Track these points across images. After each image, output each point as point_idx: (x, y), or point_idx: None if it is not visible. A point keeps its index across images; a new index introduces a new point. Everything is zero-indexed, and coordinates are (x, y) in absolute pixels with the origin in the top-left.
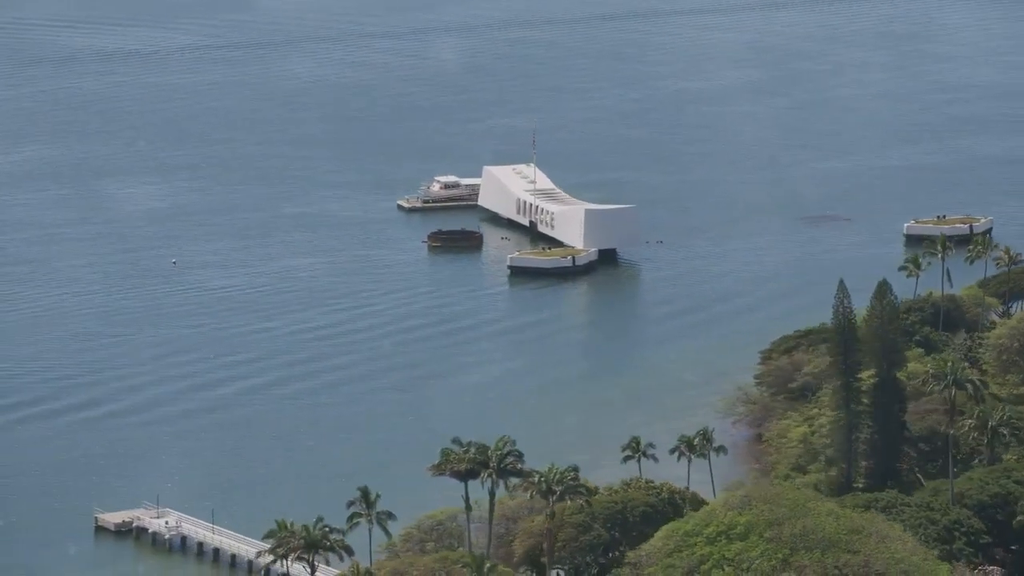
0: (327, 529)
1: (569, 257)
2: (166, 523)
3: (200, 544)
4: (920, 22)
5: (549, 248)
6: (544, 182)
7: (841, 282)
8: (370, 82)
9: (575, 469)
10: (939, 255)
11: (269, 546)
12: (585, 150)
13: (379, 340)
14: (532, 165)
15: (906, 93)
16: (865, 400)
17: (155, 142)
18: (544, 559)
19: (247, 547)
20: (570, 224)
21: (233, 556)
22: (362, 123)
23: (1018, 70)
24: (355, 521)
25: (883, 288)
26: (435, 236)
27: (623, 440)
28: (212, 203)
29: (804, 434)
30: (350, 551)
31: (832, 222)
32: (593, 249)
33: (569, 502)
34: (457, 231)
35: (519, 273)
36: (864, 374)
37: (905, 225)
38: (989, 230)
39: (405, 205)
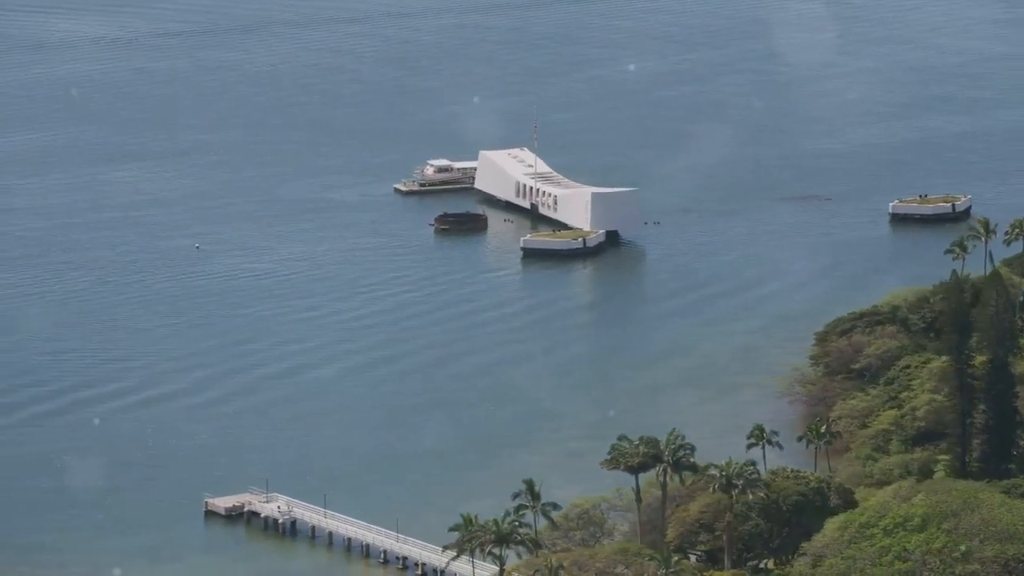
0: (516, 523)
1: (580, 239)
2: (278, 508)
3: (313, 528)
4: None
5: (557, 230)
6: (541, 166)
7: (954, 272)
8: (345, 66)
9: (753, 463)
10: (982, 238)
11: (455, 540)
12: (569, 132)
13: (428, 326)
14: (525, 149)
15: (868, 73)
16: (980, 384)
17: (139, 129)
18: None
19: (361, 531)
20: (575, 206)
21: (349, 540)
22: (339, 108)
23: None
24: (522, 513)
25: (996, 275)
26: (442, 219)
27: (686, 423)
28: (211, 189)
29: (895, 417)
30: (538, 544)
31: (814, 202)
32: (600, 231)
33: (751, 496)
34: (463, 214)
35: (531, 255)
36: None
37: (891, 205)
38: (968, 208)
39: (403, 189)
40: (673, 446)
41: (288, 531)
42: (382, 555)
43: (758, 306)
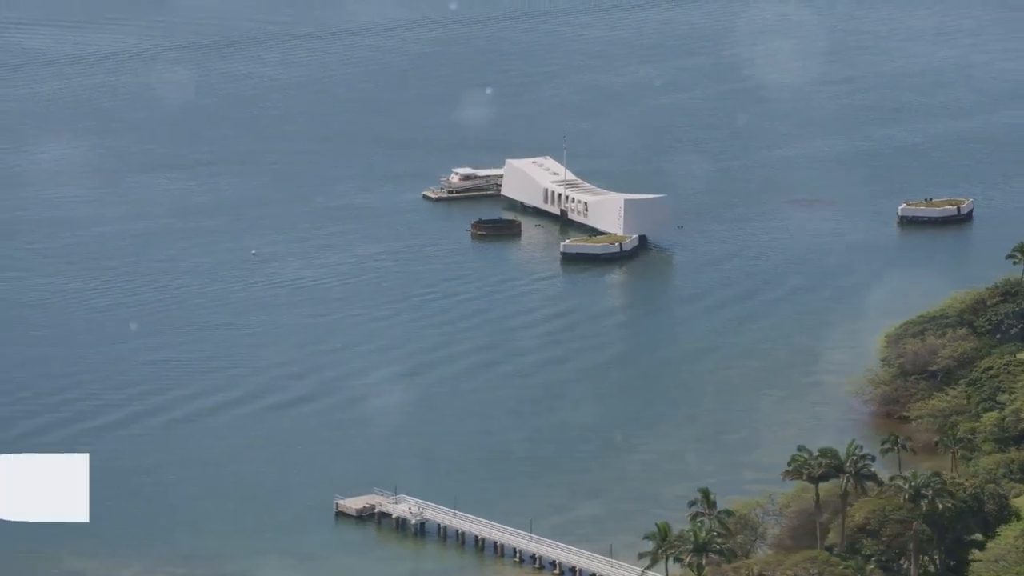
0: (715, 533)
1: (617, 243)
2: (409, 509)
3: (444, 528)
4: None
5: (593, 235)
6: (566, 173)
7: None
8: (354, 77)
9: (938, 474)
10: None
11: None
12: (584, 139)
13: (492, 328)
14: (549, 157)
15: (851, 78)
16: None
17: (168, 140)
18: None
19: (494, 531)
20: (608, 212)
21: (482, 540)
22: (352, 117)
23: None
24: (698, 521)
25: None
26: (478, 224)
27: (771, 422)
28: (246, 196)
29: (996, 418)
30: (734, 553)
31: (820, 205)
32: (634, 236)
33: (940, 506)
34: (498, 220)
35: (570, 259)
36: None
37: (899, 208)
38: (971, 211)
39: (431, 196)
40: (855, 456)
41: (421, 531)
42: (516, 554)
43: (799, 307)
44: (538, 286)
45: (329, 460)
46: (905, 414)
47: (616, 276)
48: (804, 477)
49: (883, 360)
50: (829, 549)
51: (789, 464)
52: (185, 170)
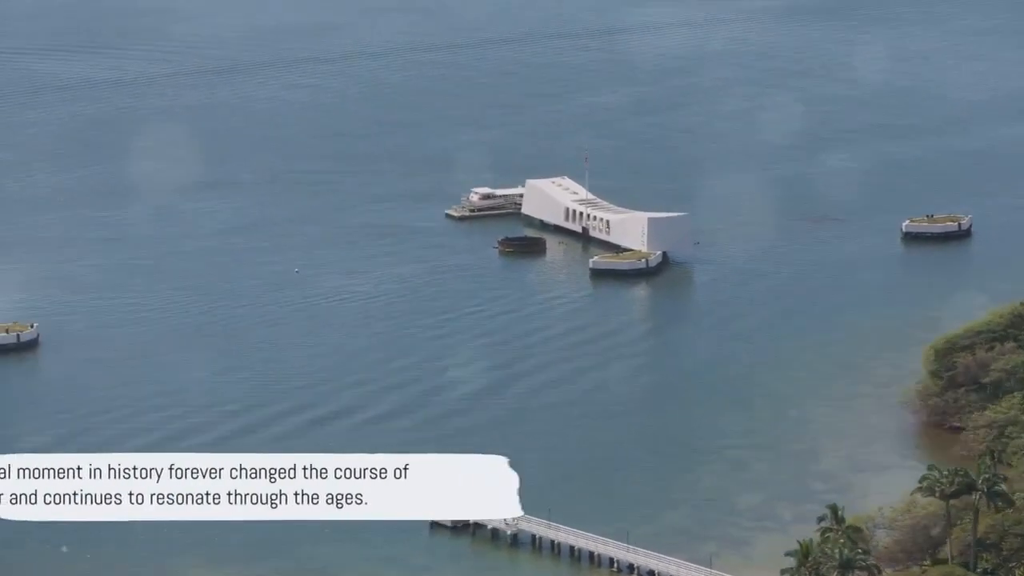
0: (859, 551)
1: (643, 260)
2: (504, 520)
3: (539, 539)
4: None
5: (619, 252)
6: (584, 193)
7: None
8: (365, 99)
9: None
10: None
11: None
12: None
13: (546, 342)
14: (566, 178)
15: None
16: None
17: (194, 161)
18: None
19: (590, 541)
20: (631, 230)
21: (578, 550)
22: (364, 138)
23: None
24: (826, 536)
25: None
26: (506, 242)
27: (825, 432)
28: (277, 216)
29: None
30: (879, 569)
31: (827, 222)
32: (658, 252)
33: None
34: (524, 237)
35: (599, 275)
36: None
37: (903, 224)
38: (970, 227)
39: (455, 214)
40: (986, 475)
41: (516, 542)
42: (614, 564)
43: (828, 321)
44: (576, 301)
45: None
46: (957, 424)
47: (645, 291)
48: (936, 495)
49: (932, 372)
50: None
51: (921, 481)
52: (216, 190)
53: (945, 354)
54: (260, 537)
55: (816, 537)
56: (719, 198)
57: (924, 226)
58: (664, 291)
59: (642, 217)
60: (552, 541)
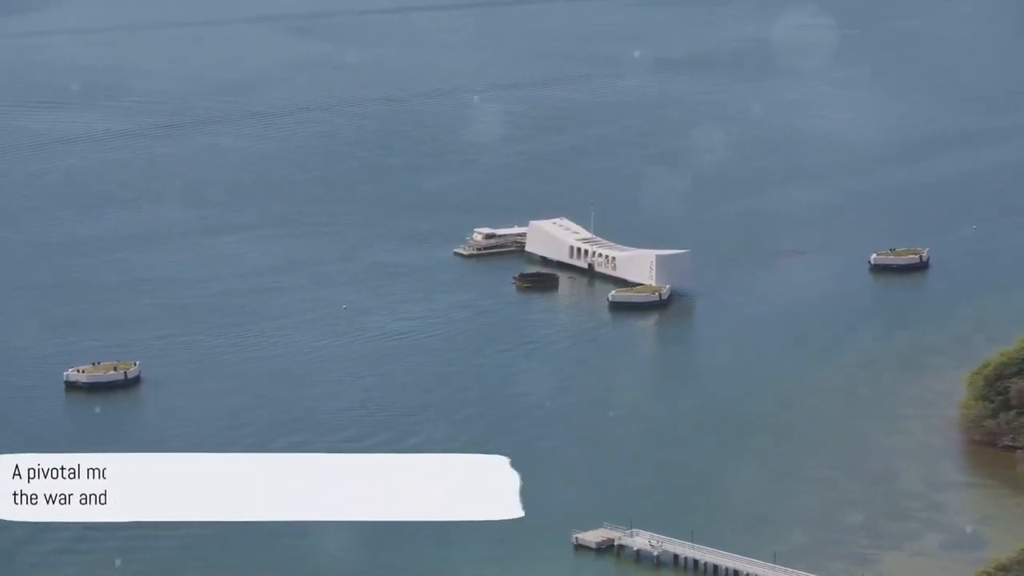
0: None
1: (656, 293)
2: (649, 541)
3: (684, 559)
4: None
5: (633, 287)
6: (584, 231)
7: None
8: (356, 141)
9: None
10: None
11: None
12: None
13: (596, 373)
14: (564, 218)
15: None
16: None
17: (201, 208)
18: None
19: (737, 562)
20: (638, 266)
21: (725, 570)
22: (366, 182)
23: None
24: None
25: None
26: (523, 277)
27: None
28: (299, 257)
29: None
30: None
31: (799, 255)
32: (667, 286)
33: None
34: (538, 273)
35: (617, 307)
36: None
37: (872, 256)
38: (928, 259)
39: (463, 252)
40: None
41: (657, 563)
42: None
43: (842, 346)
44: (607, 331)
45: (546, 497)
46: (1010, 443)
47: (663, 322)
48: None
49: (982, 396)
50: None
51: None
52: (236, 234)
53: (995, 380)
54: (388, 551)
55: None
56: (698, 234)
57: (890, 259)
58: (679, 321)
59: (650, 254)
60: (696, 560)
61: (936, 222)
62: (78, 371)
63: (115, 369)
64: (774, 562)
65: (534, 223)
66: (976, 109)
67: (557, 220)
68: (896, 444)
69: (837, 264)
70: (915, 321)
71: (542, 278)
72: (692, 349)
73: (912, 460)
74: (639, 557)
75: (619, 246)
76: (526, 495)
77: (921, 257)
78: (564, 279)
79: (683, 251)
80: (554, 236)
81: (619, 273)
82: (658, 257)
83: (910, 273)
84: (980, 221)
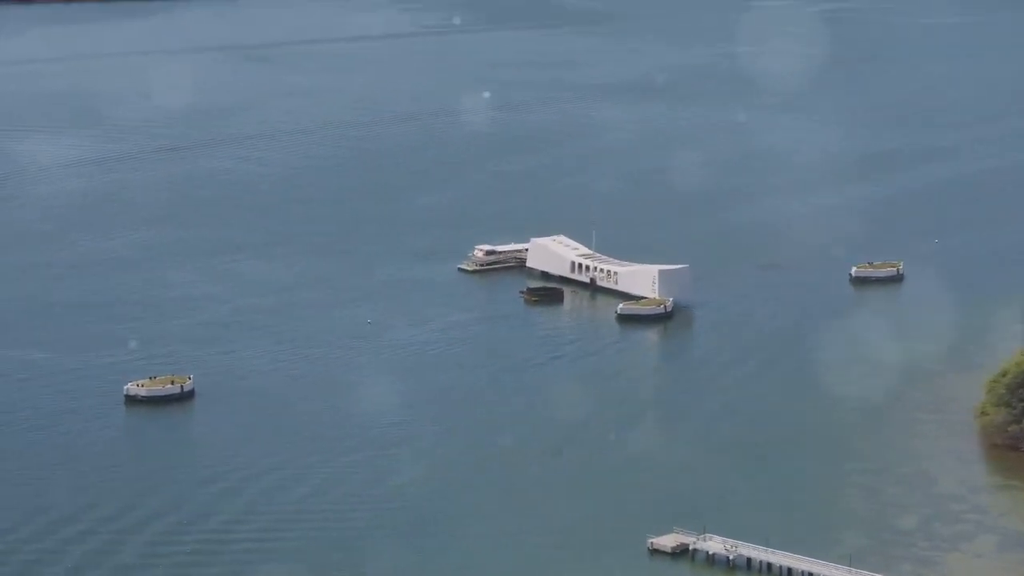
0: None
1: (661, 306)
2: (724, 546)
3: (761, 563)
4: None
5: (639, 300)
6: (583, 248)
7: None
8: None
9: None
10: None
11: None
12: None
13: (614, 381)
14: (563, 236)
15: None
16: None
17: (204, 228)
18: None
19: (813, 565)
20: (641, 280)
21: (803, 574)
22: (364, 201)
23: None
24: None
25: None
26: (531, 292)
27: (928, 458)
28: (308, 274)
29: None
30: None
31: (781, 269)
32: (670, 299)
33: None
34: (545, 287)
35: (625, 320)
36: None
37: (852, 269)
38: (903, 272)
39: (467, 268)
40: None
41: (732, 567)
42: None
43: (850, 356)
44: (622, 342)
45: (615, 503)
46: None
47: (669, 332)
48: None
49: (1004, 403)
50: None
51: None
52: (243, 252)
53: (1017, 386)
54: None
55: None
56: (678, 249)
57: (870, 271)
58: (686, 332)
59: (652, 269)
60: (769, 564)
61: (901, 236)
62: (138, 385)
63: (172, 383)
64: (849, 565)
65: (535, 240)
66: (910, 128)
67: (556, 237)
68: (921, 449)
69: (819, 276)
70: (906, 330)
71: (549, 292)
72: (705, 359)
73: (942, 464)
74: (713, 561)
75: (619, 261)
76: (596, 501)
77: (897, 269)
78: (569, 293)
79: (683, 266)
80: (555, 252)
81: (621, 287)
82: (661, 272)
83: (889, 284)
84: (939, 234)
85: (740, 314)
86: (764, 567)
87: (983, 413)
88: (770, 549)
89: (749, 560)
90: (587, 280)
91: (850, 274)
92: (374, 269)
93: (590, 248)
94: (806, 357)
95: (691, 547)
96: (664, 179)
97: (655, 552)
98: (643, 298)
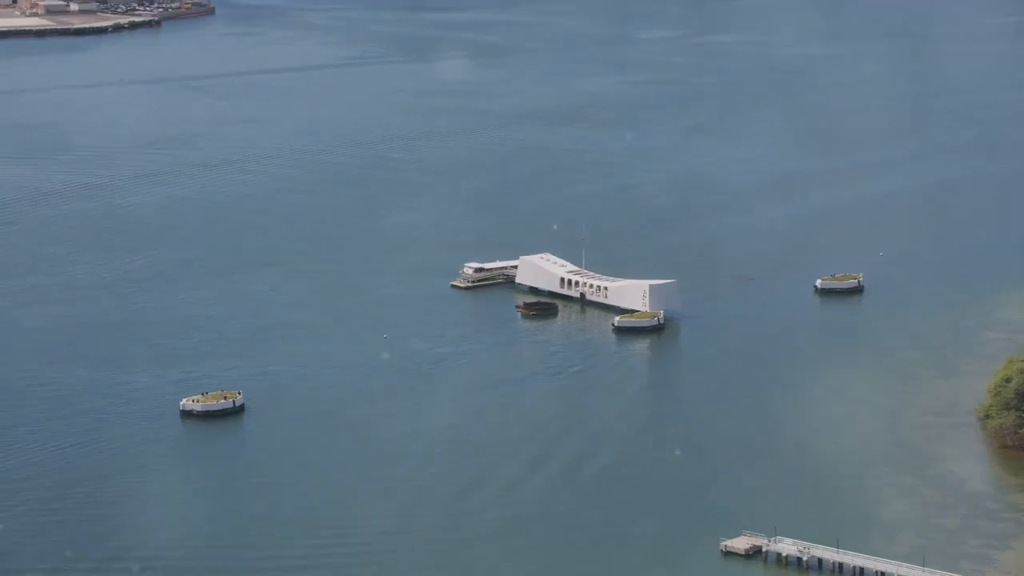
0: None
1: (655, 318)
2: (797, 547)
3: (834, 564)
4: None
5: (633, 313)
6: (570, 264)
7: None
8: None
9: None
10: None
11: None
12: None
13: (625, 389)
14: (549, 254)
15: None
16: None
17: (199, 249)
18: None
19: (887, 565)
20: (631, 294)
21: (878, 574)
22: (352, 219)
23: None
24: None
25: None
26: (528, 306)
27: (946, 457)
28: (313, 291)
29: None
30: None
31: (753, 281)
32: (661, 312)
33: None
34: (540, 302)
35: (622, 331)
36: None
37: (818, 281)
38: (863, 284)
39: (460, 285)
40: None
41: (804, 567)
42: None
43: (839, 363)
44: (627, 353)
45: (683, 507)
46: None
47: (664, 343)
48: None
49: (1014, 406)
50: None
51: None
52: (245, 273)
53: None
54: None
55: None
56: (661, 262)
57: (835, 283)
58: (680, 343)
59: (643, 284)
60: (841, 564)
61: (853, 248)
62: (193, 400)
63: (224, 398)
64: (923, 564)
65: (524, 258)
66: (838, 148)
67: (543, 255)
68: (939, 451)
69: (785, 288)
70: (883, 339)
71: (544, 307)
72: (705, 366)
73: (964, 465)
74: (785, 562)
75: (607, 277)
76: (667, 506)
77: (859, 281)
78: (561, 307)
79: (671, 280)
80: (545, 269)
81: (611, 301)
82: (651, 286)
83: (851, 295)
84: (886, 247)
85: (725, 324)
86: (836, 568)
87: (988, 416)
88: (841, 550)
89: (820, 560)
90: (576, 295)
91: (815, 286)
92: (373, 285)
93: (580, 265)
94: (798, 364)
95: (764, 549)
96: (625, 197)
97: (728, 554)
98: (635, 311)
